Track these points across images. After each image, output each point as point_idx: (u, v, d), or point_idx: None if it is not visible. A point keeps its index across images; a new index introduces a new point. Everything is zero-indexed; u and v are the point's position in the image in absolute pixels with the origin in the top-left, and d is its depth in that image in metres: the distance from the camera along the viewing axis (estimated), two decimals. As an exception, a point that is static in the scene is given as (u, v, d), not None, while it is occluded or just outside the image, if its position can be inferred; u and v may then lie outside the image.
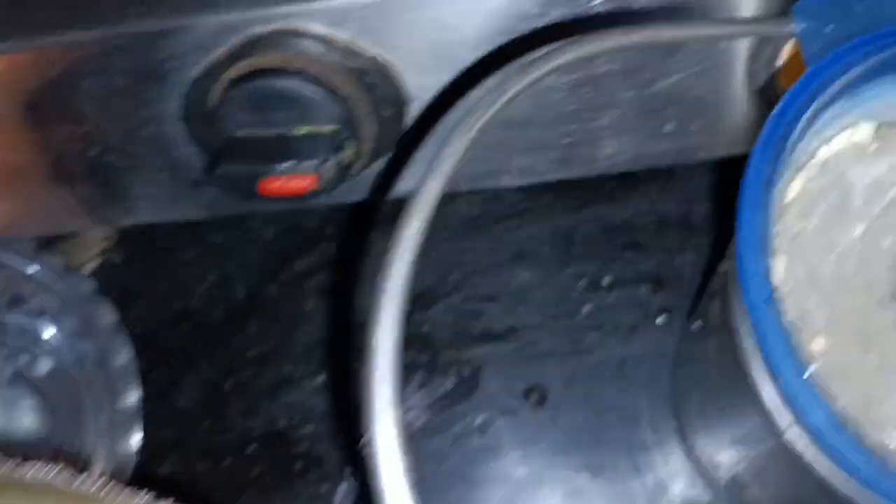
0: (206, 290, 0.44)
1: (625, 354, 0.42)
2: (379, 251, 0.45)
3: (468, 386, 0.43)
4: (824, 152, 0.29)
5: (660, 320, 0.43)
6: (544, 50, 0.23)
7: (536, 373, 0.43)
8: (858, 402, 0.26)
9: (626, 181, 0.45)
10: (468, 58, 0.33)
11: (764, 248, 0.24)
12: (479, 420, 0.42)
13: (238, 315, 0.44)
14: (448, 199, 0.45)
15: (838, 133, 0.29)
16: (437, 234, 0.45)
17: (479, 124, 0.22)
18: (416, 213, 0.22)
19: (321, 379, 0.43)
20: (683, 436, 0.41)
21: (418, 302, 0.44)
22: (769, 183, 0.25)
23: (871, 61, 0.26)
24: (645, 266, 0.44)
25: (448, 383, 0.43)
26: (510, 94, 0.22)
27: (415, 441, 0.41)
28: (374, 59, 0.33)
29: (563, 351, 0.43)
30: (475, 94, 0.28)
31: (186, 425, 0.42)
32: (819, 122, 0.27)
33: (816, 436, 0.22)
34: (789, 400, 0.23)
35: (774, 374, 0.23)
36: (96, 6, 0.32)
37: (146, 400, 0.41)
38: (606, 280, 0.44)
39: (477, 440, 0.41)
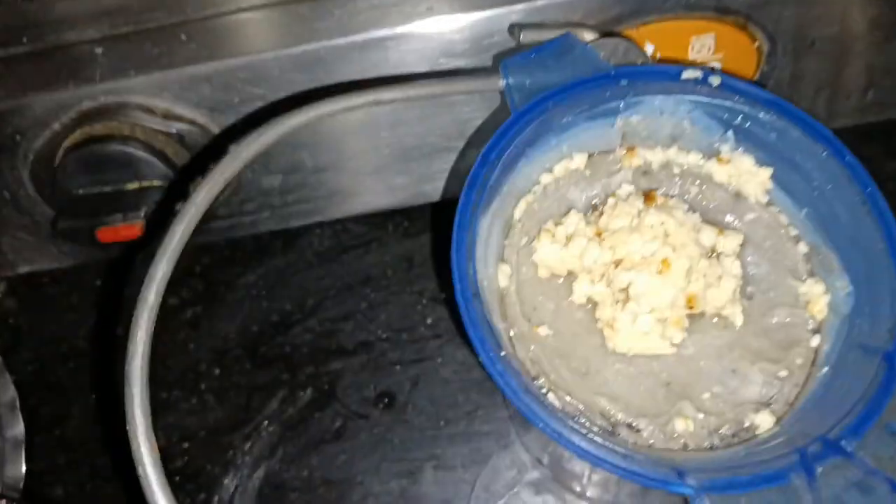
0: (88, 331, 0.49)
1: (462, 358, 0.48)
2: (245, 283, 0.51)
3: (326, 396, 0.48)
4: (546, 178, 0.35)
5: (490, 325, 0.48)
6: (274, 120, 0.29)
7: (385, 380, 0.48)
8: (577, 374, 0.32)
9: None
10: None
11: (469, 258, 0.30)
12: (336, 425, 0.47)
13: (118, 350, 0.49)
14: (301, 233, 0.51)
15: (557, 163, 0.35)
16: (293, 266, 0.51)
17: (222, 178, 0.27)
18: (164, 257, 0.26)
19: (194, 401, 0.48)
20: (514, 423, 0.46)
21: (279, 326, 0.50)
22: (475, 210, 0.31)
23: (565, 105, 0.33)
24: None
25: (307, 396, 0.48)
26: (235, 166, 0.28)
27: (279, 449, 0.46)
28: (193, 121, 0.39)
29: (409, 359, 0.48)
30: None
31: (76, 451, 0.47)
32: (531, 155, 0.33)
33: (512, 398, 0.28)
34: (491, 373, 0.28)
35: (478, 354, 0.28)
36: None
37: (38, 431, 0.46)
38: (444, 295, 0.50)
39: (335, 444, 0.47)
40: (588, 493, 0.45)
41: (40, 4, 0.39)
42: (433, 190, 0.45)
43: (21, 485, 0.44)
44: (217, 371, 0.49)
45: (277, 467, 0.46)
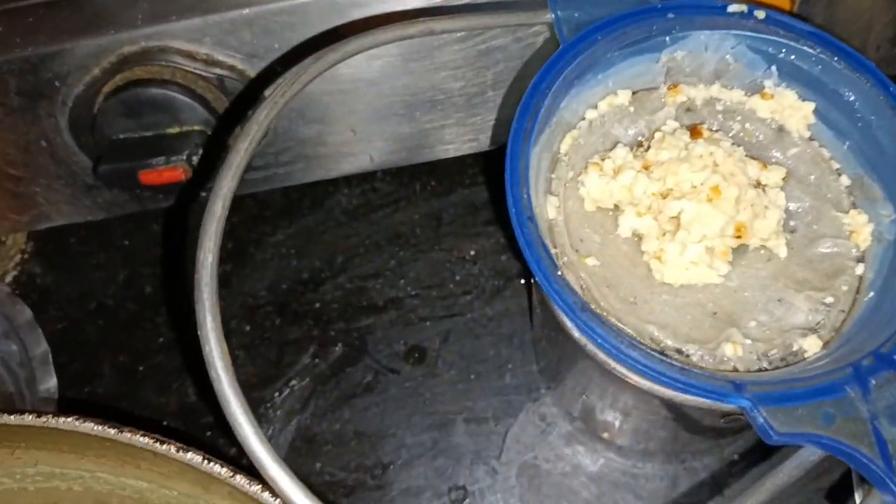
0: (117, 288, 0.49)
1: (491, 314, 0.48)
2: (274, 241, 0.51)
3: (357, 352, 0.48)
4: (591, 114, 0.35)
5: (518, 283, 0.49)
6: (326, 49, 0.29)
7: (416, 336, 0.48)
8: (625, 303, 0.32)
9: (486, 166, 0.51)
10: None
11: (523, 183, 0.30)
12: (367, 379, 0.47)
13: (147, 308, 0.49)
14: (331, 192, 0.51)
15: (601, 99, 0.35)
16: (322, 224, 0.52)
17: (270, 115, 0.28)
18: (229, 172, 0.26)
19: (225, 357, 0.48)
20: (543, 376, 0.47)
21: (309, 284, 0.50)
22: (527, 138, 0.31)
23: (612, 38, 0.33)
24: (504, 238, 0.50)
25: (338, 351, 0.48)
26: (294, 89, 0.28)
27: (310, 403, 0.46)
28: (233, 67, 0.39)
29: (438, 315, 0.49)
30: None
31: (107, 408, 0.47)
32: (577, 90, 0.34)
33: (570, 315, 0.28)
34: (548, 292, 0.28)
35: (534, 274, 0.29)
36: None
37: (69, 388, 0.46)
38: (472, 252, 0.50)
39: (366, 398, 0.47)
40: (618, 442, 0.45)
41: (78, -48, 0.40)
42: (479, 143, 0.45)
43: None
44: (248, 328, 0.49)
45: (309, 421, 0.46)
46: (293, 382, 0.47)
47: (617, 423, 0.43)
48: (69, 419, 0.31)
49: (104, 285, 0.49)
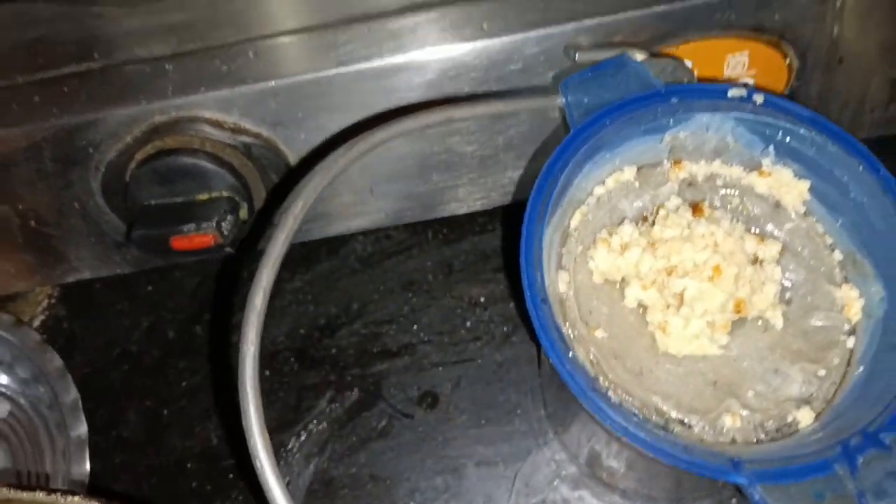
0: (141, 335, 0.51)
1: (500, 360, 0.50)
2: (292, 288, 0.53)
3: (372, 396, 0.50)
4: (599, 190, 0.37)
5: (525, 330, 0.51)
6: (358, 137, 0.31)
7: (429, 381, 0.50)
8: (632, 374, 0.34)
9: (494, 215, 0.53)
10: (335, 127, 0.41)
11: (537, 265, 0.32)
12: (382, 424, 0.49)
13: (170, 354, 0.51)
14: (346, 240, 0.53)
15: (609, 175, 0.37)
16: (337, 271, 0.54)
17: (305, 206, 0.30)
18: (268, 265, 0.28)
19: (245, 401, 0.50)
20: (551, 422, 0.49)
21: (325, 330, 0.52)
22: (542, 219, 0.33)
23: (620, 121, 0.35)
24: (510, 286, 0.52)
25: (354, 396, 0.50)
26: (334, 171, 0.30)
27: (328, 447, 0.48)
28: (258, 135, 0.41)
29: (450, 361, 0.51)
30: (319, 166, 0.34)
31: (132, 451, 0.49)
32: (587, 169, 0.36)
33: (582, 397, 0.30)
34: (562, 374, 0.30)
35: (549, 356, 0.31)
36: (25, 107, 0.40)
37: (96, 433, 0.48)
38: (482, 298, 0.52)
39: (381, 442, 0.49)
40: (622, 487, 0.47)
41: (109, 21, 0.42)
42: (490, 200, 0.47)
43: (86, 481, 0.46)
44: (267, 373, 0.51)
45: (326, 465, 0.48)
46: (311, 427, 0.49)
47: (622, 470, 0.45)
48: (76, 498, 0.33)
49: (127, 332, 0.51)
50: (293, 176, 0.42)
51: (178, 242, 0.39)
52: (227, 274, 0.53)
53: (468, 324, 0.52)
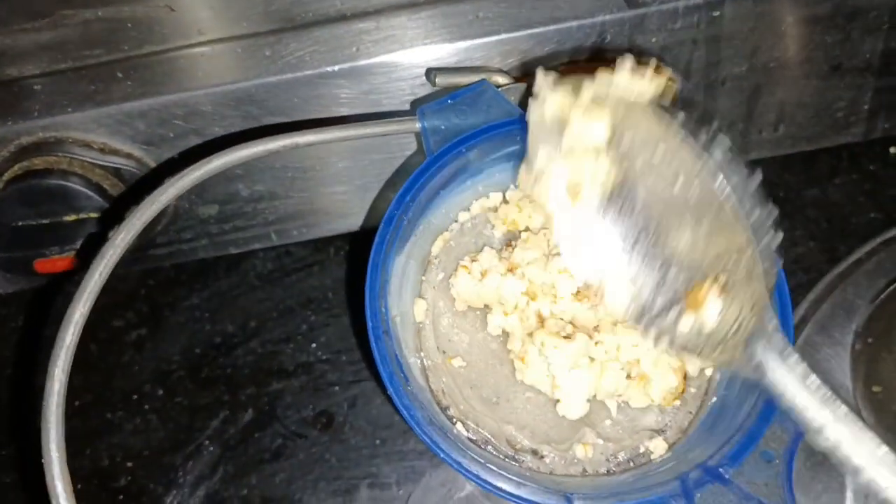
0: (31, 352, 0.50)
1: (398, 379, 0.50)
2: (188, 305, 0.52)
3: (266, 416, 0.49)
4: (463, 216, 0.37)
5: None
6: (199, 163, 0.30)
7: (324, 401, 0.50)
8: (487, 403, 0.34)
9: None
10: (207, 148, 0.41)
11: (381, 296, 0.32)
12: (275, 444, 0.49)
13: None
14: (245, 256, 0.53)
15: (473, 201, 0.37)
16: (237, 288, 0.53)
17: (140, 223, 0.29)
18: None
19: (138, 421, 0.49)
20: (445, 444, 0.48)
21: (221, 348, 0.51)
22: (390, 249, 0.32)
23: (479, 148, 0.35)
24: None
25: (248, 416, 0.49)
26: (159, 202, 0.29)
27: (219, 468, 0.48)
28: (129, 155, 0.40)
29: (347, 380, 0.50)
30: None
31: (17, 471, 0.48)
32: (447, 196, 0.35)
33: (416, 430, 0.30)
34: (398, 406, 0.30)
35: (386, 387, 0.30)
36: None
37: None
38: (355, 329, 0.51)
39: (274, 463, 0.48)
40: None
41: (-20, 39, 0.41)
42: (371, 220, 0.47)
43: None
44: (160, 392, 0.50)
45: (218, 486, 0.48)
46: (203, 448, 0.48)
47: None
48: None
49: (16, 350, 0.51)
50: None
51: (41, 265, 0.38)
52: (123, 289, 0.52)
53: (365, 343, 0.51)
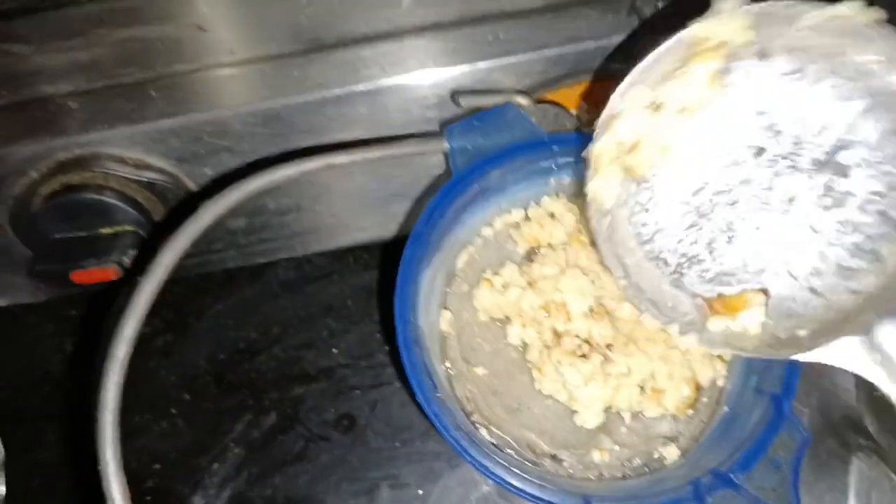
0: (64, 358, 0.52)
1: (417, 383, 0.51)
2: (213, 312, 0.54)
3: (289, 420, 0.51)
4: (487, 231, 0.38)
5: (443, 353, 0.52)
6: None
7: (346, 405, 0.51)
8: (509, 410, 0.35)
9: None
10: (236, 164, 0.42)
11: (412, 308, 0.33)
12: (298, 447, 0.50)
13: (91, 377, 0.52)
14: (268, 266, 0.54)
15: (496, 217, 0.38)
16: (259, 296, 0.54)
17: (174, 256, 0.31)
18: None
19: (164, 424, 0.51)
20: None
21: (246, 353, 0.53)
22: (419, 263, 0.34)
23: (504, 167, 0.36)
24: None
25: (271, 419, 0.51)
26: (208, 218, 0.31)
27: (244, 470, 0.49)
28: (162, 170, 0.42)
29: (368, 384, 0.52)
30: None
31: (50, 475, 0.50)
32: (473, 212, 0.37)
33: (445, 435, 0.31)
34: (428, 413, 0.32)
35: (416, 395, 0.32)
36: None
37: (14, 456, 0.49)
38: (387, 339, 0.53)
39: (297, 465, 0.50)
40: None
41: (17, 58, 0.42)
42: (389, 230, 0.48)
43: (0, 505, 0.47)
44: (187, 396, 0.52)
45: (243, 487, 0.49)
46: (228, 450, 0.50)
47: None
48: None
49: (49, 356, 0.52)
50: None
51: (78, 277, 0.40)
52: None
53: (386, 348, 0.53)
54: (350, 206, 0.46)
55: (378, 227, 0.48)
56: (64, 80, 0.42)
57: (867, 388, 0.47)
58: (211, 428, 0.51)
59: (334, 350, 0.53)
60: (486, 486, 0.49)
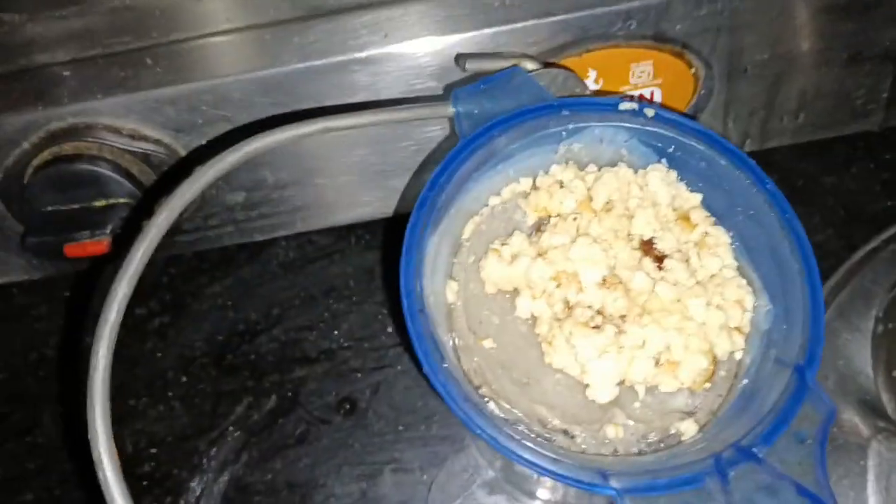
0: (58, 339, 0.51)
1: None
2: (211, 293, 0.53)
3: (290, 403, 0.50)
4: (494, 200, 0.37)
5: (448, 334, 0.51)
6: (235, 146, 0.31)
7: (347, 387, 0.50)
8: (518, 384, 0.34)
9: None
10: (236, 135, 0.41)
11: (417, 276, 0.32)
12: (299, 430, 0.49)
13: (87, 358, 0.50)
14: (267, 245, 0.53)
15: (504, 186, 0.37)
16: (259, 276, 0.53)
17: (165, 224, 0.29)
18: (125, 278, 0.28)
19: (161, 407, 0.50)
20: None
21: (245, 335, 0.51)
22: (424, 230, 0.33)
23: (511, 133, 0.35)
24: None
25: (271, 402, 0.50)
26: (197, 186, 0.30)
27: (243, 454, 0.48)
28: (159, 141, 0.41)
29: (370, 367, 0.51)
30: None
31: (46, 457, 0.49)
32: (479, 180, 0.36)
33: (453, 407, 0.30)
34: (434, 384, 0.30)
35: (423, 366, 0.31)
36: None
37: (8, 439, 0.48)
38: (393, 309, 0.52)
39: (298, 448, 0.49)
40: (537, 494, 0.47)
41: (9, 27, 0.41)
42: (391, 206, 0.47)
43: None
44: (184, 379, 0.50)
45: (242, 471, 0.48)
46: (227, 433, 0.49)
47: (534, 476, 0.45)
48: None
49: (45, 337, 0.51)
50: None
51: (71, 250, 0.38)
52: (147, 277, 0.53)
53: (389, 329, 0.51)
54: (350, 180, 0.45)
55: (380, 202, 0.47)
56: (57, 49, 0.40)
57: (885, 369, 0.46)
58: (209, 411, 0.50)
59: (336, 332, 0.52)
60: (490, 474, 0.48)
